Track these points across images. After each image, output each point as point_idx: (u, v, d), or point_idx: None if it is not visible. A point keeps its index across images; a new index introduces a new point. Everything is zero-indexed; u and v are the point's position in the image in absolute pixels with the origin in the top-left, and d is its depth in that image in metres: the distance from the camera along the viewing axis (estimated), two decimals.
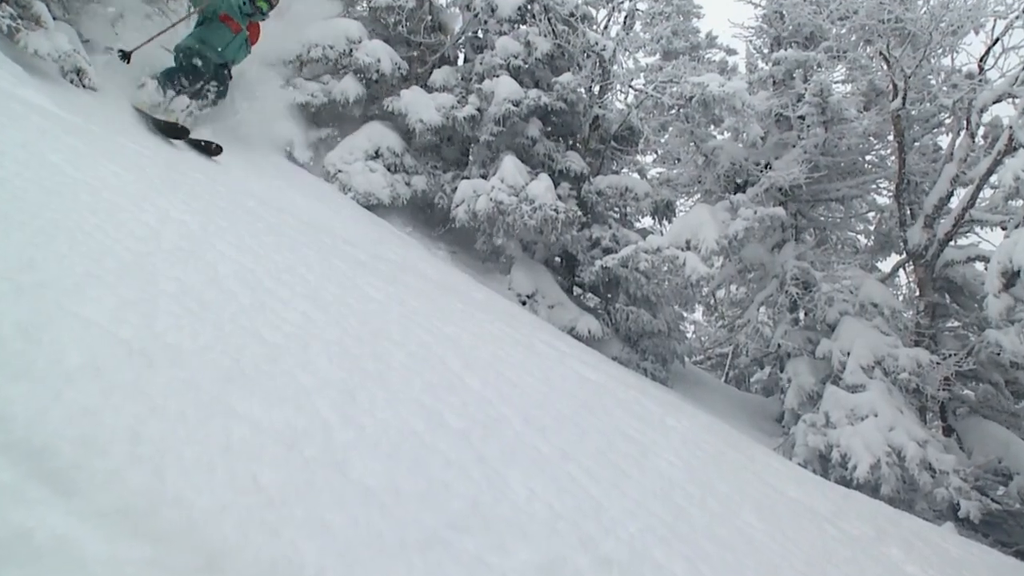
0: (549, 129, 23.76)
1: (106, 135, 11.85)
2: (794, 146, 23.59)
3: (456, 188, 21.99)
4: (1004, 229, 20.73)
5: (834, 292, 21.48)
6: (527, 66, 22.95)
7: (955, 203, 21.37)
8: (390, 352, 7.34)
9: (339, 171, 21.41)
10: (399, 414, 5.95)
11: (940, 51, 22.26)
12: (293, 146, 20.81)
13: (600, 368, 13.57)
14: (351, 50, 22.65)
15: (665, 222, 25.16)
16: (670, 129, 26.79)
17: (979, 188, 20.43)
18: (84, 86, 14.20)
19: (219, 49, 16.24)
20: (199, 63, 16.12)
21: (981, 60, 21.41)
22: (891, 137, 23.47)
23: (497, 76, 22.52)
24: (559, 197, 21.39)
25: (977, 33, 21.36)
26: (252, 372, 5.53)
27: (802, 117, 22.97)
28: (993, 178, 20.24)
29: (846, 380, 19.97)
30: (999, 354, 19.31)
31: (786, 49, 24.06)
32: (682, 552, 6.24)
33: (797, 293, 22.21)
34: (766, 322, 23.55)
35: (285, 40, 21.25)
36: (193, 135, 15.20)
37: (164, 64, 16.11)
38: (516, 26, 23.90)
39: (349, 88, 22.77)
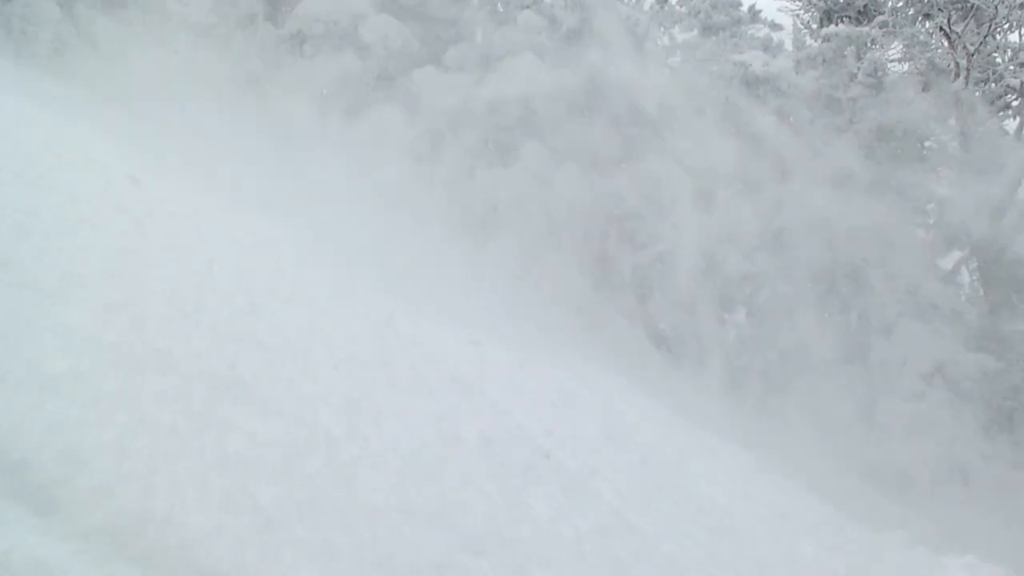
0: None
1: (93, 109, 11.93)
2: (846, 131, 23.44)
3: (474, 177, 21.89)
4: None
5: (890, 291, 21.33)
6: (552, 43, 22.85)
7: None
8: (400, 358, 7.36)
9: None
10: (409, 426, 5.97)
11: (1007, 26, 22.09)
12: None
13: (632, 375, 13.56)
14: (356, 25, 22.46)
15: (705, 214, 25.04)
16: (709, 112, 26.64)
17: None
18: None
19: None
20: None
21: None
22: (953, 121, 23.29)
23: (519, 54, 22.42)
24: None
25: None
26: (249, 380, 5.55)
27: (855, 99, 22.83)
28: None
29: (903, 389, 19.83)
30: None
31: (837, 24, 23.88)
32: None
33: (849, 292, 22.08)
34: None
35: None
36: None
37: None
38: None
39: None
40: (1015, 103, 23.21)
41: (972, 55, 20.45)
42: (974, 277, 24.59)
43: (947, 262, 25.02)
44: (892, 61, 24.35)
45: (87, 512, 3.76)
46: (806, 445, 18.38)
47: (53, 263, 5.84)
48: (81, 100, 13.27)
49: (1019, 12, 21.32)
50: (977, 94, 22.31)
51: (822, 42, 23.72)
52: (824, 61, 23.64)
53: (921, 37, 23.61)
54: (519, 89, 21.68)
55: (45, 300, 5.25)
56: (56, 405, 4.28)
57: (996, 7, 20.72)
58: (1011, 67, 22.46)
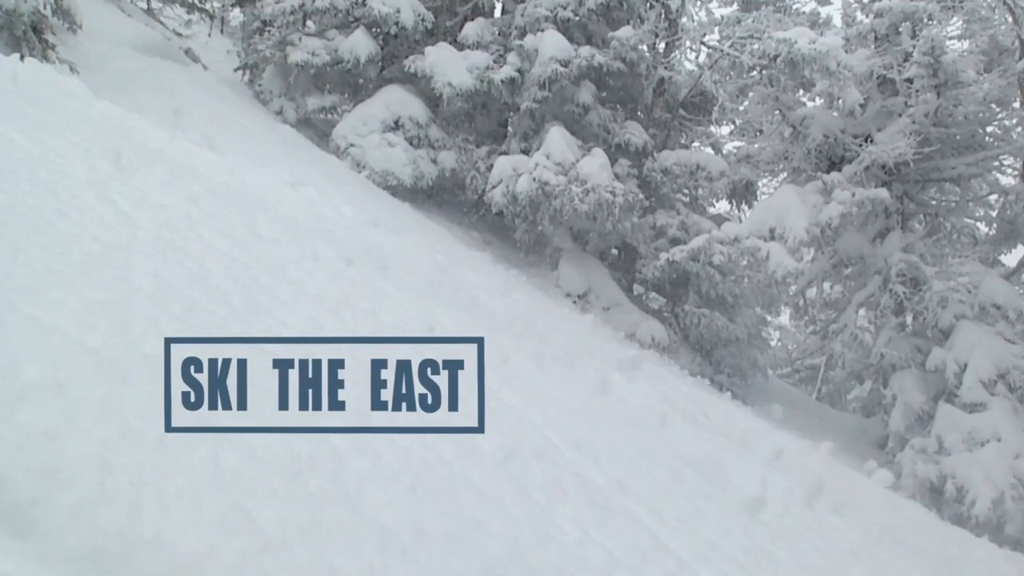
0: (605, 94, 23.62)
1: (77, 100, 11.93)
2: (900, 115, 23.29)
3: (492, 166, 21.81)
4: None
5: (948, 291, 21.20)
6: (578, 18, 22.77)
7: None
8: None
9: (351, 145, 21.31)
10: (423, 438, 5.92)
11: None
12: None
13: (666, 383, 13.51)
14: None
15: (744, 206, 24.99)
16: (750, 95, 26.50)
17: None
18: None
19: None
20: None
21: None
22: (1017, 104, 23.21)
23: (542, 30, 22.35)
24: (616, 176, 21.19)
25: None
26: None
27: (910, 80, 22.68)
28: None
29: (963, 397, 19.71)
30: None
31: None
32: None
33: (904, 292, 21.94)
34: (866, 327, 23.34)
35: None
36: None
37: None
38: None
39: (359, 44, 22.66)
40: None
41: None
42: None
43: (1011, 259, 24.87)
44: (951, 39, 24.18)
45: (67, 534, 3.72)
46: (852, 458, 18.32)
47: (29, 259, 5.81)
48: (62, 81, 13.28)
49: None
50: None
51: (874, 18, 23.54)
52: (877, 38, 23.48)
53: (982, 12, 23.43)
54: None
55: (20, 300, 5.22)
56: (32, 415, 4.24)
57: None
58: None
